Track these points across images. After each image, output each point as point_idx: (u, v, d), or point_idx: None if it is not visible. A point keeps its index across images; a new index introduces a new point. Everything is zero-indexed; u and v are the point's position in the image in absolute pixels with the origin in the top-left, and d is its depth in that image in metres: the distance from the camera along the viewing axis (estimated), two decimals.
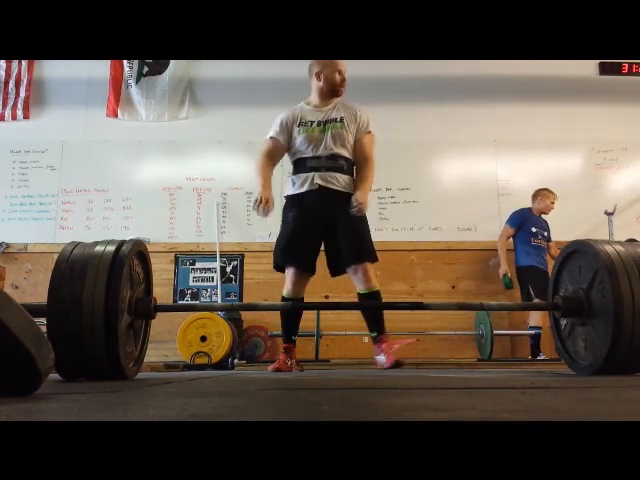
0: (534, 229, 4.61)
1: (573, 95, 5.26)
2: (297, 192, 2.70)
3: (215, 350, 4.11)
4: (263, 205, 2.54)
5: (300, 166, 2.74)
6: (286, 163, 2.94)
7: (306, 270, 2.69)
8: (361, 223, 2.69)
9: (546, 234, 4.66)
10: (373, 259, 2.68)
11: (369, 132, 2.79)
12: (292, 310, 2.73)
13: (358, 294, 2.69)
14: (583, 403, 0.99)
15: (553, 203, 4.67)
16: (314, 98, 2.81)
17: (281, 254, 2.72)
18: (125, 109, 5.31)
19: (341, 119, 2.73)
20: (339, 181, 2.68)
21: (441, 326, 4.83)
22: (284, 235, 2.73)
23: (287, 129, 2.74)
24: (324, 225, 2.67)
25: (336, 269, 2.74)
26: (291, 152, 2.79)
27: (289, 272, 2.70)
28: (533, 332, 4.45)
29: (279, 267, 2.77)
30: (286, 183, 2.85)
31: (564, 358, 2.26)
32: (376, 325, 2.69)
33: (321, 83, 2.76)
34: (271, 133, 2.77)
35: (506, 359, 4.52)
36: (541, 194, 4.68)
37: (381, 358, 2.62)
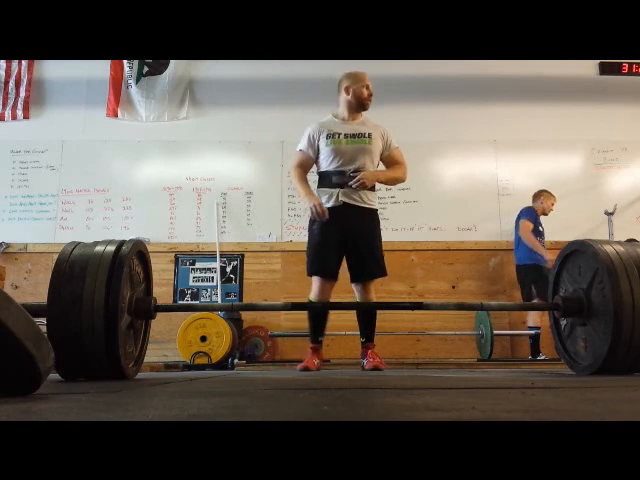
0: (540, 228, 4.61)
1: (573, 95, 5.27)
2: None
3: (215, 350, 4.11)
4: (319, 209, 2.72)
5: (325, 180, 2.84)
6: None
7: (330, 278, 2.84)
8: (375, 240, 2.86)
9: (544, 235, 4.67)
10: (382, 274, 2.86)
11: (397, 147, 2.96)
12: (314, 313, 2.92)
13: (357, 303, 2.92)
14: (583, 403, 0.98)
15: (553, 204, 4.68)
16: (342, 111, 2.93)
17: (310, 265, 2.87)
18: (125, 109, 5.31)
19: (369, 135, 2.84)
20: (362, 198, 2.81)
21: (441, 326, 4.83)
22: (311, 246, 2.88)
23: (314, 142, 2.87)
24: (345, 237, 2.81)
25: (353, 278, 2.90)
26: (317, 162, 2.92)
27: (315, 280, 2.85)
28: (533, 332, 4.45)
29: (310, 273, 2.91)
30: None
31: (564, 358, 2.26)
32: (367, 333, 2.92)
33: (349, 97, 2.88)
34: (300, 146, 2.92)
35: (506, 359, 4.52)
36: (544, 195, 4.68)
37: (364, 362, 2.90)
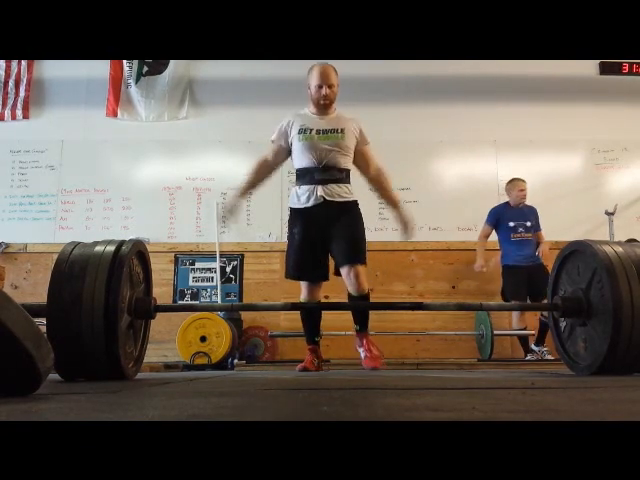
0: (512, 223, 4.50)
1: (573, 95, 5.26)
2: (303, 207, 2.77)
3: (215, 350, 4.11)
4: (227, 213, 2.85)
5: (303, 177, 2.79)
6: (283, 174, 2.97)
7: (318, 281, 2.80)
8: (357, 228, 2.81)
9: (529, 224, 4.49)
10: (361, 261, 2.78)
11: (368, 143, 2.88)
12: (305, 312, 2.87)
13: (349, 295, 2.80)
14: (584, 403, 0.98)
15: (522, 191, 4.52)
16: (310, 106, 2.87)
17: (292, 270, 2.81)
18: (125, 109, 5.31)
19: (342, 130, 2.77)
20: (340, 193, 2.76)
21: (441, 326, 4.83)
22: (292, 249, 2.81)
23: (286, 134, 2.82)
24: (327, 233, 2.76)
25: (336, 269, 2.84)
26: (292, 159, 2.86)
27: (303, 284, 2.81)
28: (532, 332, 4.44)
29: (292, 278, 2.85)
30: (290, 194, 2.91)
31: (564, 359, 2.26)
32: (360, 321, 2.86)
33: (310, 93, 2.83)
34: (272, 137, 2.87)
35: (506, 359, 4.51)
36: (509, 185, 4.59)
37: (361, 351, 2.86)
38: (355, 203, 2.83)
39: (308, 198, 2.75)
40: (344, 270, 2.75)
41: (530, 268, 4.37)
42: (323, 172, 2.74)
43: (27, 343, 1.03)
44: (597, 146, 5.23)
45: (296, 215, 2.82)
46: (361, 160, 2.86)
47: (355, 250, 2.76)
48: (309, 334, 2.92)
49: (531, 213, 4.56)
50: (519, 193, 4.53)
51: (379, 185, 2.90)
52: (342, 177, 2.77)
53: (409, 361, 4.40)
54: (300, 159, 2.79)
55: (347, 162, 2.80)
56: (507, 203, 4.61)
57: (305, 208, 2.76)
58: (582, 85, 5.30)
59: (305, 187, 2.77)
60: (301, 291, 2.83)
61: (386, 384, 1.63)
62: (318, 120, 2.80)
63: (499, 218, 4.56)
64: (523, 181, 4.57)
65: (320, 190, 2.73)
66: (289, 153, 2.86)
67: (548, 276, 4.34)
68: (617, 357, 1.89)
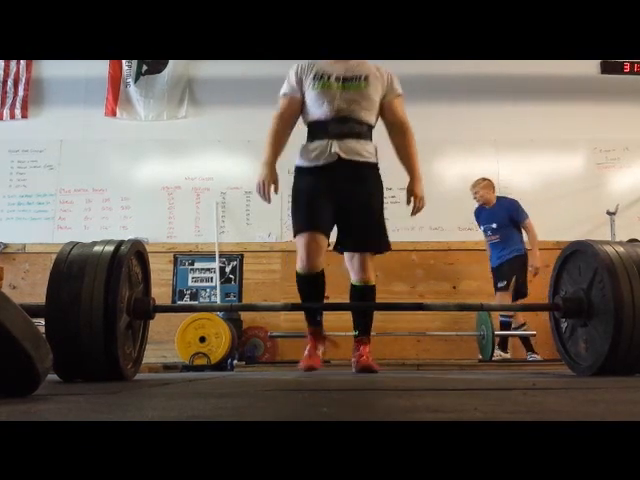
0: (482, 227, 4.51)
1: (574, 94, 5.26)
2: (313, 165, 2.33)
3: (214, 351, 4.10)
4: (265, 189, 2.29)
5: (314, 131, 2.37)
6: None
7: (319, 231, 2.28)
8: (376, 200, 2.38)
9: (495, 225, 4.37)
10: (382, 249, 2.38)
11: (400, 95, 2.46)
12: (306, 283, 2.32)
13: (351, 286, 2.39)
14: (585, 404, 0.98)
15: (477, 193, 4.47)
16: None
17: (302, 221, 2.32)
18: (124, 108, 5.30)
19: (366, 77, 2.36)
20: (359, 151, 2.32)
21: (442, 327, 4.82)
22: (296, 205, 2.37)
23: (300, 82, 2.39)
24: (339, 200, 2.32)
25: (341, 245, 2.39)
26: (303, 112, 2.42)
27: (300, 241, 2.28)
28: (534, 333, 4.43)
29: (303, 230, 2.33)
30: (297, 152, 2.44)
31: (565, 359, 2.25)
32: (363, 322, 2.43)
33: None
34: (283, 90, 2.44)
35: (507, 360, 4.51)
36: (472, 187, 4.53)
37: (353, 360, 2.43)
38: (376, 167, 2.40)
39: (320, 155, 2.31)
40: (353, 256, 2.35)
41: (502, 266, 4.34)
42: (340, 124, 2.31)
43: (26, 344, 1.02)
44: (598, 146, 5.22)
45: (303, 175, 2.38)
46: (386, 113, 2.43)
47: (370, 233, 2.34)
48: (309, 312, 2.38)
49: (501, 211, 4.42)
50: (474, 195, 4.51)
51: (401, 140, 2.43)
52: (363, 132, 2.35)
53: (410, 362, 4.40)
54: (313, 110, 2.36)
55: (370, 116, 2.37)
56: (481, 206, 4.55)
57: (315, 167, 2.32)
58: (583, 84, 5.30)
59: (317, 142, 2.33)
60: (299, 259, 2.31)
61: (386, 385, 1.62)
62: (337, 65, 2.37)
63: (478, 221, 4.57)
64: (479, 181, 4.50)
65: (335, 146, 2.29)
66: (303, 106, 2.40)
67: (517, 269, 4.27)
68: (618, 357, 1.89)
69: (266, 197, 2.33)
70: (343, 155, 2.30)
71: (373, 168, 2.39)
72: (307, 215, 2.31)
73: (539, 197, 5.03)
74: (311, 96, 2.36)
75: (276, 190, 2.35)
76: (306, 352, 2.39)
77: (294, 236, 2.35)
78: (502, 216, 4.40)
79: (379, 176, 2.42)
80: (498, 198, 4.54)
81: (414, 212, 2.44)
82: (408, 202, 2.44)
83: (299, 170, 2.41)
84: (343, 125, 2.31)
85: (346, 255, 2.39)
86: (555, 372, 2.73)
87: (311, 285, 2.33)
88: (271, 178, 2.32)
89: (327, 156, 2.30)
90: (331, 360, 4.02)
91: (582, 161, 5.25)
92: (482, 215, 4.53)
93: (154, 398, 1.18)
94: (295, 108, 2.41)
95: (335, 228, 2.40)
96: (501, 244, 4.38)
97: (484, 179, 4.53)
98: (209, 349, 4.11)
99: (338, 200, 2.32)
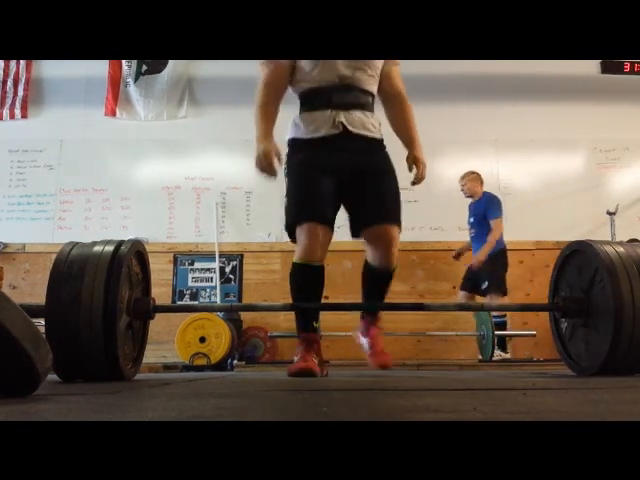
0: (469, 222, 4.53)
1: (574, 94, 5.26)
2: (311, 137, 2.03)
3: (214, 351, 4.10)
4: (267, 162, 1.98)
5: (311, 102, 2.06)
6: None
7: (324, 222, 2.00)
8: (392, 177, 2.13)
9: (472, 220, 4.43)
10: (398, 222, 2.08)
11: (397, 63, 2.24)
12: (305, 275, 2.03)
13: (367, 268, 2.13)
14: (585, 404, 0.98)
15: (464, 185, 4.51)
16: None
17: (295, 210, 2.06)
18: (123, 108, 5.31)
19: None
20: (366, 125, 2.05)
21: (442, 327, 4.82)
22: (292, 186, 2.08)
23: None
24: (345, 179, 2.03)
25: (357, 228, 2.10)
26: (295, 80, 2.10)
27: (302, 230, 2.00)
28: (534, 333, 4.42)
29: (295, 222, 2.05)
30: (290, 125, 2.14)
31: (565, 359, 2.25)
32: (376, 296, 2.23)
33: None
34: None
35: (507, 360, 4.51)
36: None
37: (364, 341, 2.22)
38: (383, 143, 2.15)
39: (321, 125, 2.01)
40: (372, 231, 2.03)
41: (468, 268, 4.36)
42: (344, 92, 2.01)
43: (26, 344, 1.02)
44: (598, 145, 5.22)
45: (299, 147, 2.07)
46: (385, 83, 2.18)
47: (391, 205, 2.06)
48: (304, 315, 2.07)
49: (481, 205, 4.44)
50: (462, 188, 4.52)
51: (399, 111, 2.21)
52: (368, 102, 2.09)
53: (410, 362, 4.40)
54: (308, 78, 2.05)
55: (374, 85, 2.13)
56: (470, 197, 4.57)
57: (317, 138, 2.02)
58: (583, 84, 5.30)
59: (316, 113, 2.03)
60: (300, 248, 2.01)
61: (387, 385, 1.62)
62: None
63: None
64: (467, 174, 4.52)
65: (341, 116, 2.01)
66: (290, 74, 2.09)
67: (497, 266, 4.26)
68: (618, 357, 1.88)
69: (271, 169, 2.00)
70: (350, 128, 2.01)
71: (382, 145, 2.14)
72: (311, 200, 2.02)
73: (539, 197, 5.03)
74: (306, 61, 2.04)
75: (280, 161, 2.03)
76: (297, 357, 2.02)
77: (293, 223, 2.05)
78: (480, 210, 4.42)
79: (389, 158, 2.15)
80: (484, 193, 4.54)
81: (417, 181, 2.20)
82: (410, 169, 2.20)
83: (294, 142, 2.09)
84: (347, 94, 2.03)
85: (369, 234, 2.06)
86: (555, 372, 2.73)
87: (310, 278, 2.04)
88: (272, 149, 1.99)
89: (330, 126, 2.01)
90: (330, 361, 4.02)
91: (582, 161, 5.25)
92: (469, 211, 4.55)
93: (154, 398, 1.18)
94: (285, 75, 2.07)
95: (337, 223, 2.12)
96: (477, 238, 4.39)
97: (472, 172, 4.55)
98: (209, 349, 4.11)
99: (343, 175, 2.03)
